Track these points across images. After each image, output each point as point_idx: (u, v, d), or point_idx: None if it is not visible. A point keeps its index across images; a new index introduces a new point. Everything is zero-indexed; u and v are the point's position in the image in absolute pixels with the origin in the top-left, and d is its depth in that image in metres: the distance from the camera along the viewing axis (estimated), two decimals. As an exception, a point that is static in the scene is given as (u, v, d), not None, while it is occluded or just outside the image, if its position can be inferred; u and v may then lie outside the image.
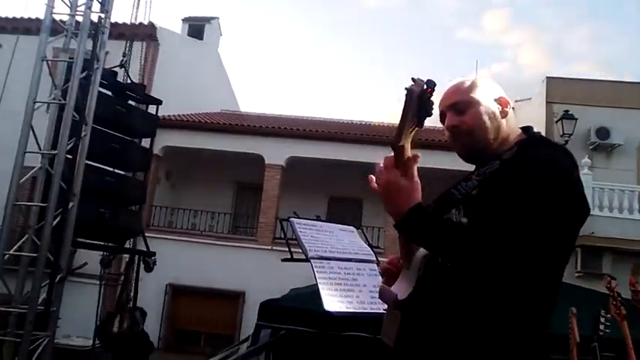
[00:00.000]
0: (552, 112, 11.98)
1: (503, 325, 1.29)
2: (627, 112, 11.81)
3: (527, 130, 1.55)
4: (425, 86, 1.25)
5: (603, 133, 11.55)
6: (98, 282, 6.86)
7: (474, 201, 1.38)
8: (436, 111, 1.35)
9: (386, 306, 1.54)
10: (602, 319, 3.87)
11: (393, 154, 1.34)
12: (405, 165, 1.32)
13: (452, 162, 1.50)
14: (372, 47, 55.55)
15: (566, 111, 11.58)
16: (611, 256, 10.64)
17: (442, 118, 1.55)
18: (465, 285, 1.30)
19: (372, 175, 1.41)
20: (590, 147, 11.63)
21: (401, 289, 1.42)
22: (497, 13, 50.51)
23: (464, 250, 1.27)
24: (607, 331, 3.83)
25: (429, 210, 1.40)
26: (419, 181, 1.33)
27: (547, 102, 12.17)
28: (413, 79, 1.26)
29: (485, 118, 1.49)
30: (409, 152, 1.32)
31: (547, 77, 12.65)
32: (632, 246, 10.46)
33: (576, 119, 11.45)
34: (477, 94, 1.51)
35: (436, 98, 1.29)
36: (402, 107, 1.26)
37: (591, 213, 1.47)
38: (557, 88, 12.36)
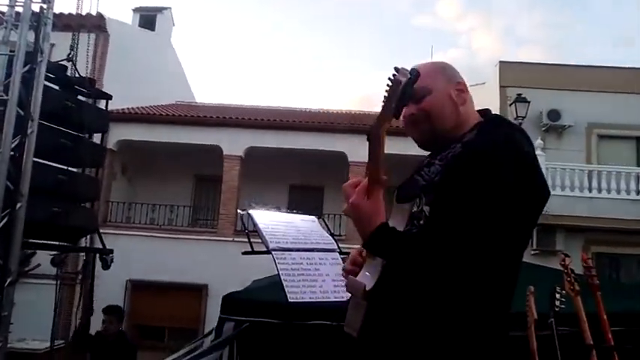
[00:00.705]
0: (506, 96, 12.28)
1: (468, 312, 1.30)
2: (576, 94, 12.23)
3: (485, 112, 1.55)
4: (409, 76, 1.22)
5: (554, 115, 11.92)
6: (53, 282, 6.63)
7: (436, 188, 1.37)
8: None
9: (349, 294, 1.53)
10: (558, 296, 3.99)
11: (368, 145, 1.31)
12: (371, 186, 1.33)
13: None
14: (328, 33, 55.50)
15: (519, 94, 11.89)
16: (564, 233, 11.07)
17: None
18: (430, 275, 1.29)
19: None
20: (543, 128, 12.00)
21: (368, 279, 1.40)
22: (451, -2, 51.21)
23: (425, 260, 1.28)
24: (562, 306, 3.95)
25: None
26: (382, 202, 1.34)
27: (500, 86, 12.47)
28: (396, 69, 1.23)
29: (443, 104, 1.47)
30: (385, 143, 1.30)
31: (500, 62, 12.93)
32: (582, 222, 10.91)
33: (529, 102, 11.77)
34: (434, 81, 1.48)
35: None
36: (385, 97, 1.23)
37: (546, 193, 1.49)
38: (510, 72, 12.67)
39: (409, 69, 1.23)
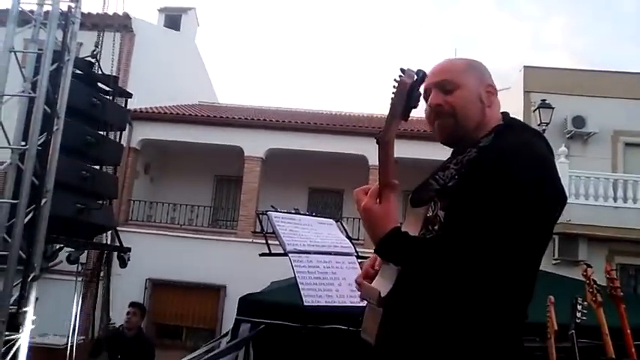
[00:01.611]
0: (530, 101, 12.10)
1: (483, 319, 1.27)
2: (602, 100, 11.98)
3: (504, 116, 1.51)
4: (415, 77, 1.19)
5: (579, 121, 11.70)
6: (74, 279, 6.74)
7: (451, 193, 1.34)
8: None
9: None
10: (579, 307, 3.92)
11: (377, 148, 1.28)
12: (382, 190, 1.30)
13: (436, 152, 1.49)
14: (352, 36, 55.49)
15: (544, 100, 11.70)
16: (587, 243, 10.84)
17: (426, 94, 1.47)
18: (444, 282, 1.27)
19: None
20: (567, 135, 11.78)
21: (383, 286, 1.38)
22: (478, 1, 50.77)
23: (438, 266, 1.26)
24: (584, 318, 3.87)
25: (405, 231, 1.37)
26: (395, 205, 1.31)
27: (525, 91, 12.28)
28: (402, 70, 1.19)
29: (471, 103, 1.43)
30: (394, 147, 1.27)
31: (524, 66, 12.75)
32: (606, 232, 10.67)
33: (553, 108, 11.58)
34: (467, 77, 1.45)
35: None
36: (392, 100, 1.20)
37: (568, 201, 1.44)
38: (535, 78, 12.47)
39: (415, 70, 1.20)
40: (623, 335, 3.39)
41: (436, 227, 1.36)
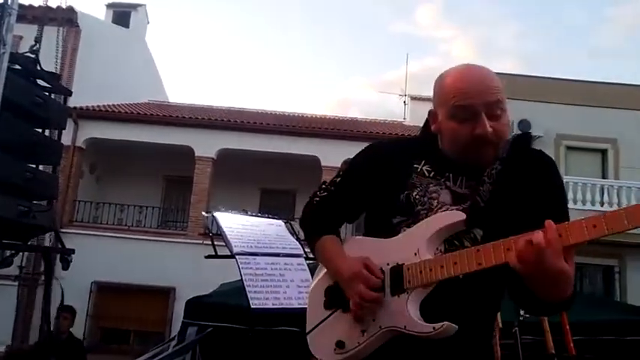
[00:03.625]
0: (478, 105, 12.46)
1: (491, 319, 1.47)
2: (546, 105, 12.49)
3: None
4: None
5: (525, 125, 12.15)
6: (14, 284, 6.45)
7: (488, 210, 1.26)
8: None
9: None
10: (523, 304, 4.02)
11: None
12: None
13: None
14: (305, 37, 55.63)
15: (491, 104, 12.08)
16: (531, 243, 11.24)
17: (471, 111, 1.20)
18: (476, 296, 1.32)
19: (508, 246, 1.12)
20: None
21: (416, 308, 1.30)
22: (430, 6, 51.84)
23: None
24: (527, 315, 3.98)
25: None
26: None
27: (473, 95, 12.64)
28: None
29: (509, 129, 1.28)
30: None
31: (473, 71, 13.11)
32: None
33: (500, 112, 11.97)
34: (504, 96, 1.25)
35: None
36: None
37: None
38: (482, 82, 12.85)
39: None
40: (562, 331, 3.51)
41: (467, 244, 1.24)
